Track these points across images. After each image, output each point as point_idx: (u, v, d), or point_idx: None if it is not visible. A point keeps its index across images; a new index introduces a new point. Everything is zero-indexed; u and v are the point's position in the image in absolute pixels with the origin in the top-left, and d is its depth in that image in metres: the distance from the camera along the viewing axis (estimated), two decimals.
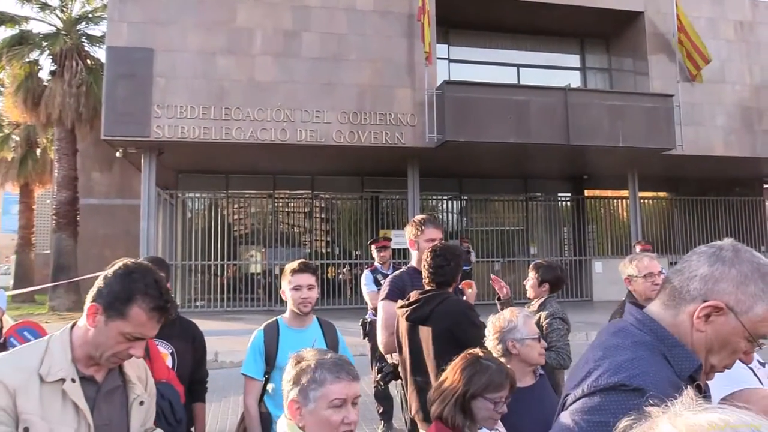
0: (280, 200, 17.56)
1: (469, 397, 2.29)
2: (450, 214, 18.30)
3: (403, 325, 3.30)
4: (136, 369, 1.97)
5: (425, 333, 3.17)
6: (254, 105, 12.42)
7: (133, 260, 1.86)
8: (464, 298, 3.66)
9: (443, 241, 3.58)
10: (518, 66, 16.35)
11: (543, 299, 4.22)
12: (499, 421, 2.38)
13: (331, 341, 3.36)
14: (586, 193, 18.90)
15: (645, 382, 1.20)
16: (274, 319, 3.25)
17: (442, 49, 15.22)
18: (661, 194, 19.77)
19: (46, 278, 18.79)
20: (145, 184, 12.81)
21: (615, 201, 18.96)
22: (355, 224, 17.34)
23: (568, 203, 18.88)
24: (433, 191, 17.33)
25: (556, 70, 16.70)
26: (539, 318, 3.99)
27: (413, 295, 3.30)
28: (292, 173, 16.73)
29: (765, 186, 20.89)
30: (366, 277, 6.57)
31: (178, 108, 12.10)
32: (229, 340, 10.00)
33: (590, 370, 1.31)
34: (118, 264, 1.81)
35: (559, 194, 19.02)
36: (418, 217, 3.94)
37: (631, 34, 15.75)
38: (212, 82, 12.38)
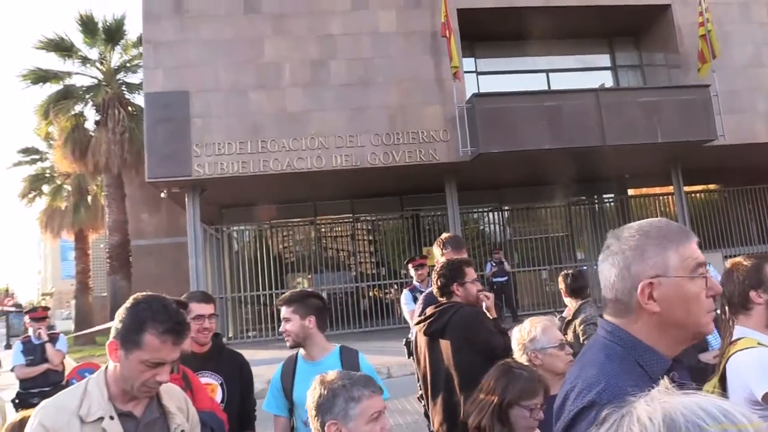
0: (323, 226, 17.79)
1: (506, 406, 2.33)
2: (492, 226, 18.22)
3: (422, 340, 3.39)
4: (175, 400, 2.05)
5: (445, 345, 3.25)
6: (288, 135, 12.71)
7: (143, 294, 1.96)
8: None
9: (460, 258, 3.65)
10: (548, 72, 16.26)
11: (579, 305, 4.22)
12: (537, 428, 2.41)
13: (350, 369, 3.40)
14: (630, 192, 18.59)
15: (616, 394, 1.23)
16: (295, 352, 3.16)
17: (468, 63, 15.29)
18: (710, 187, 19.28)
19: (105, 320, 19.41)
20: (191, 222, 13.19)
21: (661, 198, 18.55)
22: (398, 244, 17.42)
23: (612, 204, 18.57)
24: (472, 204, 17.30)
25: (586, 72, 16.55)
26: (575, 325, 3.99)
27: (429, 310, 3.39)
28: (332, 198, 16.96)
29: None
30: (405, 296, 6.63)
31: (216, 146, 12.47)
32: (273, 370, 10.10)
33: (568, 393, 1.36)
34: (129, 300, 1.93)
35: (603, 196, 18.73)
36: (444, 236, 4.03)
37: (660, 27, 15.52)
38: (246, 117, 12.72)
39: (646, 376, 1.31)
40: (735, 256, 2.71)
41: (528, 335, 2.84)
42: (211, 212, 15.86)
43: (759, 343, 2.28)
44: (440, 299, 3.43)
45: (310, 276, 17.14)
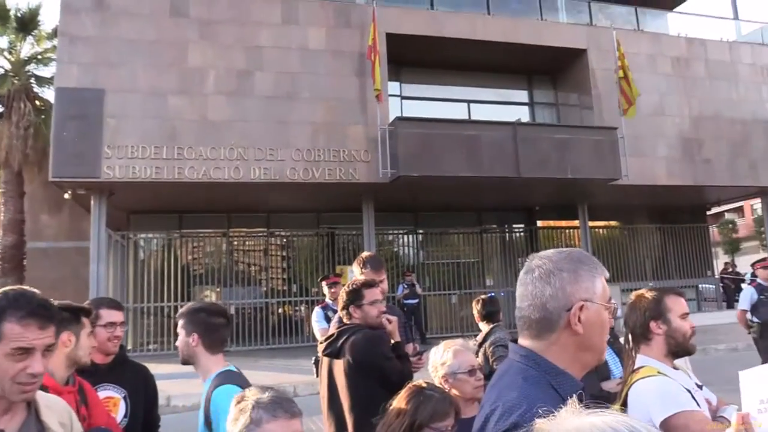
0: (236, 239, 17.39)
1: (417, 428, 2.32)
2: (406, 248, 18.40)
3: (324, 360, 3.37)
4: (57, 415, 1.88)
5: (339, 366, 3.24)
6: (207, 144, 12.41)
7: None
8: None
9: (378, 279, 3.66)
10: (468, 102, 16.74)
11: (490, 328, 4.33)
12: None
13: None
14: (539, 224, 19.28)
15: (534, 417, 1.25)
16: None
17: (394, 86, 15.52)
18: (612, 223, 20.29)
19: None
20: (95, 226, 12.56)
21: (567, 231, 19.38)
22: (311, 261, 17.28)
23: (522, 234, 19.21)
24: (388, 226, 17.44)
25: (505, 105, 17.19)
26: (485, 347, 4.08)
27: (332, 329, 3.42)
28: (247, 211, 16.64)
29: (708, 213, 21.68)
30: (317, 313, 6.57)
31: (129, 148, 11.99)
32: (183, 384, 9.74)
33: (488, 416, 1.39)
34: None
35: (513, 225, 19.35)
36: (364, 255, 4.03)
37: (576, 70, 16.36)
38: (164, 122, 12.33)
39: (559, 398, 1.35)
40: (631, 289, 2.85)
41: (440, 358, 2.86)
42: (117, 217, 15.18)
43: (659, 372, 2.39)
44: (345, 320, 3.42)
45: (219, 289, 16.67)
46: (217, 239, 17.14)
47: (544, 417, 0.95)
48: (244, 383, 2.51)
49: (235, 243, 17.40)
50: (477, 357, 4.13)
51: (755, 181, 17.00)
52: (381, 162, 13.09)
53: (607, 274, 1.51)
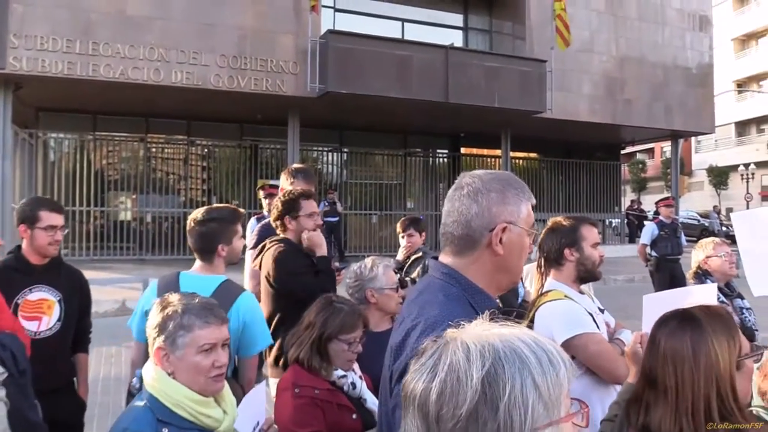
0: (153, 145, 16.72)
1: (325, 339, 2.36)
2: (330, 166, 18.28)
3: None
4: None
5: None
6: (125, 41, 11.66)
7: None
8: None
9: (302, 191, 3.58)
10: (403, 21, 16.39)
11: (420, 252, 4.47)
12: (356, 362, 2.47)
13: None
14: (463, 150, 19.54)
15: None
16: (174, 272, 2.90)
17: None
18: (532, 155, 20.80)
19: None
20: (0, 121, 11.74)
21: (489, 159, 19.74)
22: (233, 173, 16.91)
23: (446, 160, 19.45)
24: (313, 142, 17.19)
25: (439, 27, 16.93)
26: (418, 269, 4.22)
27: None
28: (167, 117, 15.94)
29: (622, 152, 22.60)
30: (251, 224, 6.49)
31: (39, 39, 11.11)
32: (96, 290, 9.51)
33: (408, 330, 1.40)
34: None
35: (438, 150, 19.53)
36: (294, 166, 3.96)
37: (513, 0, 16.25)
38: (78, 13, 11.45)
39: (477, 315, 1.37)
40: (544, 220, 2.96)
41: (369, 273, 2.90)
42: (25, 114, 14.21)
43: (566, 296, 2.52)
44: (280, 232, 3.38)
45: (134, 196, 16.13)
46: (133, 144, 16.43)
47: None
48: None
49: (153, 150, 16.74)
50: (410, 273, 4.27)
51: (669, 125, 17.77)
52: (310, 76, 12.74)
53: (534, 201, 1.54)
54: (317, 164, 18.15)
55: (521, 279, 3.76)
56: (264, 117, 15.26)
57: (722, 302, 3.31)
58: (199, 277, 2.74)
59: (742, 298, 3.65)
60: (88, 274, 3.46)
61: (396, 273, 3.40)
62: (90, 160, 15.51)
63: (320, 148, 18.01)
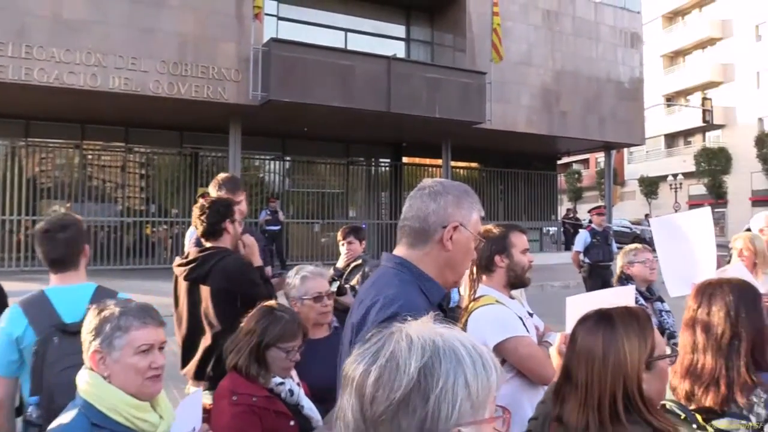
0: (90, 152, 16.23)
1: (264, 347, 2.37)
2: (272, 175, 18.17)
3: (182, 283, 3.23)
4: None
5: (205, 292, 3.14)
6: (61, 45, 11.34)
7: None
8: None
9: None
10: (346, 31, 16.51)
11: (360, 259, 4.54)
12: (294, 369, 2.50)
13: None
14: (405, 160, 19.75)
15: (413, 307, 1.50)
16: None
17: (270, 5, 14.90)
18: (473, 165, 21.19)
19: None
20: None
21: (431, 169, 20.01)
22: (172, 182, 16.58)
23: (388, 169, 19.61)
24: (255, 150, 17.05)
25: (382, 38, 17.12)
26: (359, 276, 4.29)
27: (192, 253, 3.24)
28: (104, 123, 15.52)
29: (558, 162, 23.29)
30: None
31: None
32: None
33: (369, 308, 1.60)
34: None
35: (380, 160, 19.68)
36: (221, 176, 3.91)
37: (454, 11, 16.57)
38: (11, 16, 11.07)
39: (428, 301, 1.63)
40: None
41: (291, 282, 2.94)
42: None
43: (497, 301, 2.62)
44: (205, 241, 3.25)
45: (69, 204, 15.58)
46: (68, 151, 15.91)
47: (422, 312, 1.14)
48: None
49: (89, 156, 16.25)
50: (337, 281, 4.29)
51: (602, 136, 18.45)
52: (252, 83, 12.68)
53: (483, 213, 1.77)
54: (260, 172, 18.02)
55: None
56: (205, 124, 15.06)
57: (642, 305, 3.49)
58: (71, 288, 2.50)
59: (662, 301, 3.85)
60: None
61: (335, 280, 3.45)
62: (22, 167, 14.95)
63: (262, 157, 17.88)
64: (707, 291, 2.11)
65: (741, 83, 39.39)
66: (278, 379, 2.41)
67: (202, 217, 3.19)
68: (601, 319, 1.69)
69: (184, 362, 3.23)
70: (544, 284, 12.92)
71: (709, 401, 1.94)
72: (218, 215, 3.20)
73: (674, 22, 46.00)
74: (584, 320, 1.73)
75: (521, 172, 20.75)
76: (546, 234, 22.76)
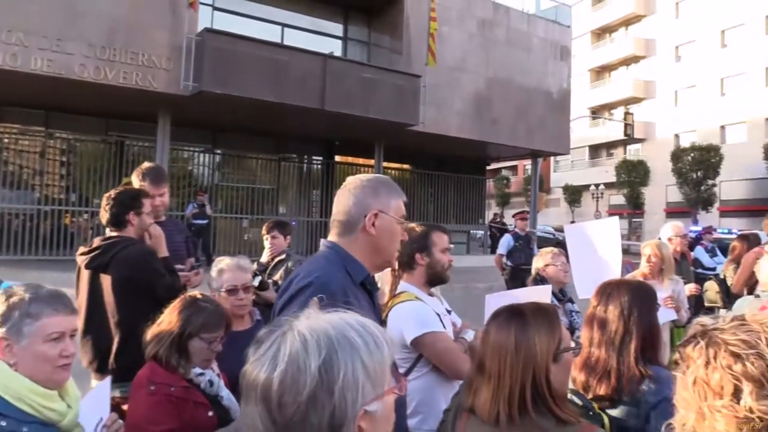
0: (6, 135, 15.43)
1: (186, 337, 2.37)
2: (202, 168, 17.78)
3: (84, 273, 3.20)
4: None
5: (106, 282, 3.11)
6: None
7: None
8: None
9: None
10: (283, 26, 16.37)
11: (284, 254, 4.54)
12: (215, 360, 2.51)
13: None
14: (337, 158, 19.76)
15: (327, 280, 1.78)
16: None
17: None
18: (405, 166, 21.42)
19: None
20: None
21: (363, 168, 20.10)
22: (95, 170, 15.95)
23: (320, 167, 19.57)
24: (185, 142, 16.66)
25: (319, 36, 17.08)
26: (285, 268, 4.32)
27: (96, 242, 3.21)
28: (23, 105, 14.81)
29: (488, 168, 23.85)
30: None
31: None
32: None
33: (292, 279, 1.88)
34: None
35: (313, 157, 19.60)
36: (145, 165, 3.86)
37: (392, 13, 16.71)
38: None
39: (349, 278, 1.86)
40: None
41: (212, 274, 2.97)
42: None
43: (417, 297, 2.71)
44: (111, 230, 3.23)
45: None
46: None
47: (337, 283, 1.67)
48: None
49: (6, 140, 15.46)
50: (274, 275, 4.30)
51: (530, 144, 19.01)
52: (183, 73, 12.41)
53: (405, 198, 2.00)
54: (188, 165, 17.63)
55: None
56: (132, 112, 14.61)
57: (555, 305, 3.67)
58: None
59: (573, 302, 4.06)
60: None
61: (257, 275, 3.45)
62: None
63: (192, 149, 17.50)
64: (606, 291, 2.28)
65: (661, 100, 41.41)
66: (198, 370, 2.40)
67: (107, 207, 3.19)
68: (513, 314, 1.77)
69: (84, 354, 3.16)
70: (469, 285, 13.20)
71: (602, 391, 2.10)
72: (122, 206, 3.20)
73: (602, 39, 47.89)
74: (497, 316, 1.81)
75: (451, 175, 21.12)
76: (474, 237, 23.27)
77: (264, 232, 4.75)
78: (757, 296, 3.33)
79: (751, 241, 6.61)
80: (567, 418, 1.66)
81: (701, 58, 37.75)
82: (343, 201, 1.94)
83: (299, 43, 15.32)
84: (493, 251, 21.57)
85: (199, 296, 2.56)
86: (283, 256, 4.60)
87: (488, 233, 22.99)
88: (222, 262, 3.07)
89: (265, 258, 4.68)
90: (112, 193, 3.26)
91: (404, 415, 2.12)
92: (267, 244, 4.70)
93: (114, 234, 3.18)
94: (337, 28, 17.80)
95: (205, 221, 14.51)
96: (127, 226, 3.20)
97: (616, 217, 3.48)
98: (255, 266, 4.40)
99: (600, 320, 2.23)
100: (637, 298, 2.22)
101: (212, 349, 2.42)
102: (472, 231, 22.48)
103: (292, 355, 0.92)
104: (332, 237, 1.96)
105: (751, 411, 1.02)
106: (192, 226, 13.93)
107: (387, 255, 1.97)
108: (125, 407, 2.44)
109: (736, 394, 1.04)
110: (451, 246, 2.96)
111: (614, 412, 2.09)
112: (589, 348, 2.20)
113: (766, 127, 33.93)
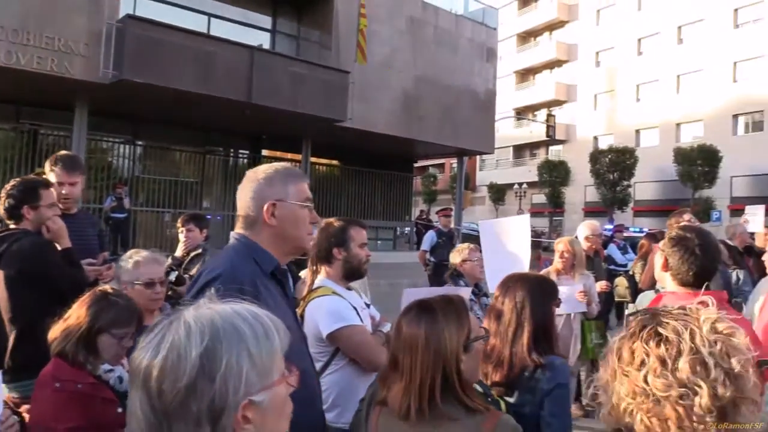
0: None
1: (95, 333, 2.30)
2: (122, 159, 17.11)
3: None
4: None
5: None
6: None
7: None
8: None
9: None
10: (210, 15, 16.00)
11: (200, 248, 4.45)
12: (125, 356, 2.45)
13: None
14: (265, 152, 19.49)
15: (235, 272, 1.80)
16: None
17: None
18: (333, 162, 21.37)
19: None
20: None
21: (290, 163, 19.91)
22: (6, 160, 15.09)
23: (246, 161, 19.25)
24: (104, 132, 16.00)
25: (247, 27, 16.79)
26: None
27: None
28: None
29: (415, 165, 24.12)
30: None
31: None
32: None
33: (202, 271, 1.90)
34: None
35: (239, 151, 19.27)
36: (60, 153, 3.72)
37: (322, 8, 16.62)
38: None
39: (259, 268, 1.87)
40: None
41: (124, 265, 2.88)
42: None
43: (333, 292, 2.74)
44: (8, 223, 3.12)
45: None
46: None
47: (245, 275, 1.68)
48: None
49: None
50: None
51: (456, 143, 19.35)
52: (103, 60, 11.93)
53: (307, 180, 2.00)
54: (108, 156, 16.96)
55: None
56: (47, 100, 13.93)
57: (472, 300, 3.78)
58: None
59: (488, 297, 4.19)
60: None
61: (173, 270, 3.38)
62: None
63: (111, 139, 16.83)
64: (507, 284, 2.41)
65: (581, 104, 43.03)
66: (107, 366, 2.35)
67: (3, 200, 3.09)
68: (423, 309, 1.82)
69: None
70: (394, 281, 13.32)
71: (497, 378, 2.23)
72: (16, 199, 3.08)
73: (527, 42, 49.29)
74: (408, 311, 1.87)
75: (379, 172, 21.22)
76: (400, 234, 23.50)
77: (179, 225, 4.63)
78: (657, 291, 3.53)
79: (657, 239, 6.98)
80: (476, 407, 1.73)
81: (619, 64, 39.45)
82: (241, 196, 1.94)
83: (226, 34, 15.02)
84: (419, 247, 21.94)
85: (110, 291, 2.50)
86: (199, 251, 4.50)
87: (414, 230, 23.27)
88: (138, 254, 2.99)
89: (179, 252, 4.57)
90: (9, 184, 3.13)
91: (321, 409, 2.14)
92: (182, 237, 4.58)
93: (11, 227, 3.06)
94: (265, 21, 17.55)
95: (123, 215, 14.03)
96: (22, 220, 3.08)
97: (527, 215, 3.63)
98: (170, 260, 4.30)
99: (497, 312, 2.36)
100: (532, 292, 2.35)
101: (123, 345, 2.36)
102: (398, 227, 22.69)
103: (174, 343, 0.93)
104: (239, 230, 1.96)
105: (646, 382, 1.11)
106: (110, 219, 13.46)
107: (295, 241, 1.97)
108: (24, 408, 2.35)
109: (642, 365, 1.13)
110: (369, 242, 3.00)
111: (511, 399, 2.20)
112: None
113: (677, 132, 35.83)
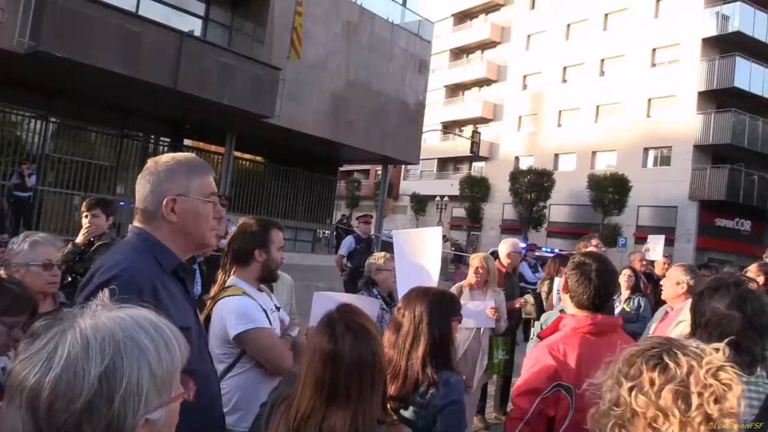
0: None
1: None
2: (32, 135, 16.15)
3: None
4: None
5: None
6: None
7: None
8: None
9: None
10: None
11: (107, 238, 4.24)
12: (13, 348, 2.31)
13: None
14: (187, 142, 18.95)
15: (134, 274, 1.66)
16: None
17: None
18: (258, 158, 21.03)
19: None
20: None
21: (213, 156, 19.44)
22: None
23: (167, 149, 18.63)
24: (14, 104, 15.10)
25: (178, 11, 16.30)
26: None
27: None
28: None
29: (340, 169, 24.09)
30: None
31: None
32: None
33: (93, 272, 1.72)
34: None
35: (160, 138, 18.64)
36: None
37: (257, 1, 16.35)
38: None
39: (159, 267, 1.75)
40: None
41: (17, 247, 2.72)
42: None
43: (244, 292, 2.68)
44: None
45: None
46: None
47: (144, 275, 1.53)
48: None
49: None
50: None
51: (382, 150, 19.48)
52: (19, 29, 11.25)
53: (212, 173, 1.88)
54: (17, 130, 16.00)
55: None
56: None
57: (384, 310, 3.80)
58: None
59: None
60: None
61: (76, 259, 3.21)
62: None
63: (22, 113, 15.89)
64: (409, 297, 2.45)
65: (506, 124, 44.27)
66: None
67: None
68: (355, 330, 1.78)
69: None
70: (310, 284, 13.22)
71: (392, 391, 2.25)
72: None
73: (459, 58, 50.30)
74: (339, 335, 1.76)
75: (303, 172, 21.06)
76: (320, 237, 23.38)
77: (83, 209, 4.26)
78: (561, 311, 3.66)
79: (562, 261, 7.26)
80: (383, 417, 1.75)
81: (544, 89, 40.87)
82: (139, 188, 1.81)
83: (156, 16, 14.50)
84: (338, 252, 21.92)
85: (3, 276, 2.35)
86: (106, 240, 4.15)
87: (335, 234, 23.23)
88: (35, 235, 2.84)
89: (80, 239, 4.18)
90: None
91: (221, 413, 2.08)
92: (85, 222, 4.21)
93: None
94: (198, 7, 17.10)
95: (26, 194, 13.27)
96: None
97: (440, 228, 3.70)
98: (70, 246, 4.03)
99: (397, 324, 2.40)
100: (431, 306, 2.39)
101: (12, 336, 2.23)
102: (319, 230, 22.57)
103: (69, 359, 0.82)
104: (137, 223, 1.83)
105: (630, 395, 1.19)
106: (12, 197, 12.70)
107: (198, 237, 1.85)
108: None
109: (633, 380, 1.21)
110: (287, 242, 2.97)
111: (406, 413, 2.23)
112: (387, 349, 2.32)
113: (592, 159, 37.45)
